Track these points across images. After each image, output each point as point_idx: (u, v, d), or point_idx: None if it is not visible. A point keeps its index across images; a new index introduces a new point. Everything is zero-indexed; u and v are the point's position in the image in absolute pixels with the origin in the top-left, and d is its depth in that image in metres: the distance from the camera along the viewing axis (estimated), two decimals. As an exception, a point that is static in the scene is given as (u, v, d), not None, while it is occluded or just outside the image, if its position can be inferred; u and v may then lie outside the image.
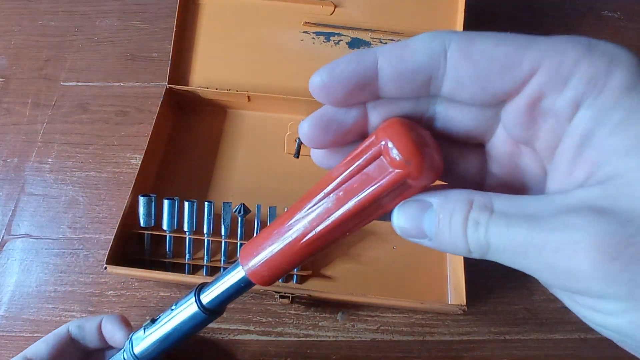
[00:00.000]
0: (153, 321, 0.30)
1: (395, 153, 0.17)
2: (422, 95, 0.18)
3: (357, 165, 0.19)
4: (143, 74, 0.56)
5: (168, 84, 0.51)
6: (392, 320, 0.44)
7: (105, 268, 0.41)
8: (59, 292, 0.45)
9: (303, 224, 0.20)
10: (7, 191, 0.50)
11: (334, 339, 0.43)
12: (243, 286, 0.25)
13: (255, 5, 0.53)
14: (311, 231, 0.20)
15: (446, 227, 0.17)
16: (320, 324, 0.44)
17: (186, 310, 0.27)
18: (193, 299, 0.27)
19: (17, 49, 0.58)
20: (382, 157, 0.18)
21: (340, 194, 0.19)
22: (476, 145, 0.20)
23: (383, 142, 0.18)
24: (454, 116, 0.19)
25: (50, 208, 0.49)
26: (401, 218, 0.19)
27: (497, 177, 0.20)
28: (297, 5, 0.53)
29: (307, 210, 0.20)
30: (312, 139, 0.20)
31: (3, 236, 0.48)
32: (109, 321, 0.35)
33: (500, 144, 0.20)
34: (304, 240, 0.20)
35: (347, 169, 0.19)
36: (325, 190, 0.20)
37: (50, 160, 0.52)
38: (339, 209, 0.19)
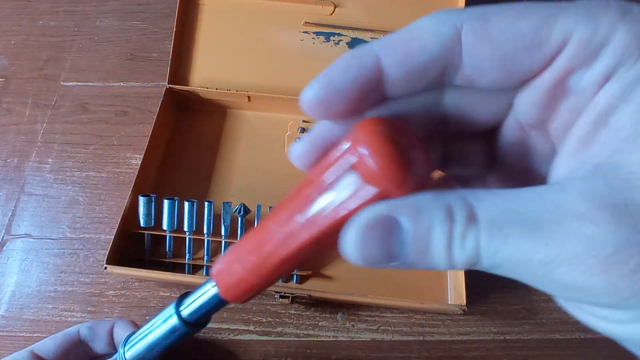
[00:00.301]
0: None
1: (371, 164, 0.14)
2: (435, 88, 0.16)
3: (327, 180, 0.16)
4: (143, 74, 0.56)
5: (168, 84, 0.51)
6: (392, 320, 0.44)
7: (105, 268, 0.41)
8: (59, 292, 0.45)
9: (272, 244, 0.18)
10: (7, 191, 0.50)
11: (334, 339, 0.43)
12: (217, 302, 0.23)
13: (255, 5, 0.53)
14: (278, 253, 0.18)
15: (425, 248, 0.14)
16: (320, 324, 0.44)
17: (167, 322, 0.26)
18: (173, 311, 0.25)
19: (17, 49, 0.58)
20: (355, 169, 0.15)
21: (308, 214, 0.16)
22: (482, 133, 0.18)
23: (356, 151, 0.15)
24: (466, 105, 0.17)
25: (50, 208, 0.49)
26: (362, 245, 0.15)
27: (504, 164, 0.18)
28: (297, 5, 0.53)
29: (275, 229, 0.18)
30: (306, 164, 0.17)
31: (3, 236, 0.48)
32: (121, 326, 0.35)
33: (509, 129, 0.17)
34: (273, 261, 0.18)
35: (318, 182, 0.16)
36: (293, 208, 0.17)
37: (50, 160, 0.52)
38: (305, 233, 0.17)
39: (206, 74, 0.53)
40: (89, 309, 0.44)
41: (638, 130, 0.13)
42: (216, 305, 0.23)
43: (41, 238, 0.48)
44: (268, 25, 0.53)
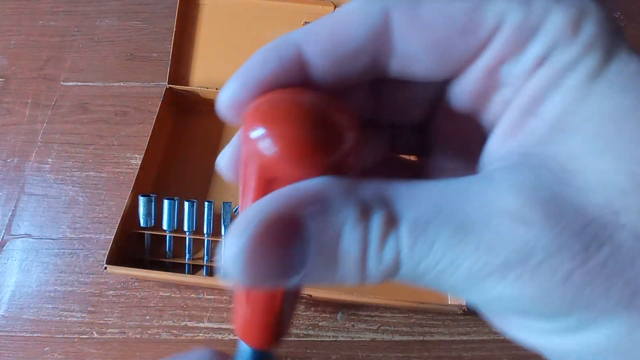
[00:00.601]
0: None
1: (256, 143, 0.12)
2: (368, 77, 0.14)
3: (245, 188, 0.13)
4: (143, 74, 0.56)
5: (168, 84, 0.51)
6: (392, 320, 0.44)
7: (105, 268, 0.41)
8: (59, 292, 0.45)
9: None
10: (7, 191, 0.50)
11: (334, 339, 0.43)
12: (256, 355, 0.19)
13: (255, 5, 0.53)
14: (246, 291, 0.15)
15: (332, 259, 0.11)
16: (320, 324, 0.44)
17: None
18: None
19: (17, 49, 0.58)
20: (250, 160, 0.13)
21: None
22: (419, 122, 0.17)
23: (245, 136, 0.12)
24: (401, 96, 0.16)
25: (50, 208, 0.49)
26: (247, 259, 0.11)
27: (443, 151, 0.17)
28: (297, 5, 0.53)
29: None
30: (233, 175, 0.15)
31: (3, 236, 0.48)
32: None
33: (443, 119, 0.16)
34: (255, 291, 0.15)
35: (242, 193, 0.14)
36: None
37: (50, 160, 0.52)
38: None
39: (206, 74, 0.53)
40: (88, 309, 0.44)
41: (567, 118, 0.12)
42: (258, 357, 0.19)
43: (41, 238, 0.48)
44: (268, 25, 0.53)
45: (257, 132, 0.12)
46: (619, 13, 0.61)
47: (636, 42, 0.59)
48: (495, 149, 0.14)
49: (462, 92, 0.14)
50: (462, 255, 0.11)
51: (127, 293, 0.45)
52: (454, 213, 0.11)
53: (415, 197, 0.12)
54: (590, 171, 0.11)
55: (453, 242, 0.11)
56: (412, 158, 0.20)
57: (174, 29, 0.52)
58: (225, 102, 0.14)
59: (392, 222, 0.11)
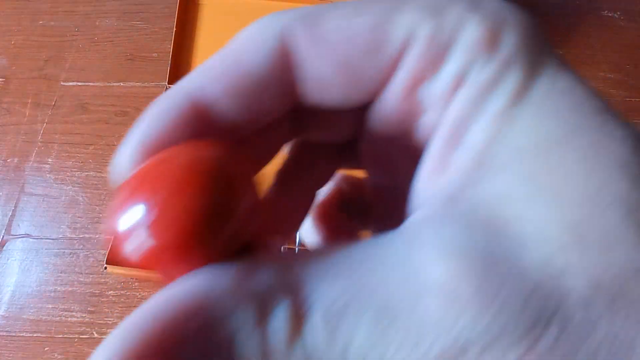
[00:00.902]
0: None
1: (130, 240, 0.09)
2: (285, 108, 0.12)
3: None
4: (143, 74, 0.56)
5: (168, 84, 0.51)
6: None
7: (105, 268, 0.41)
8: (59, 292, 0.45)
9: None
10: (7, 191, 0.50)
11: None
12: None
13: (255, 5, 0.53)
14: None
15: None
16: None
17: None
18: None
19: (17, 49, 0.58)
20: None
21: None
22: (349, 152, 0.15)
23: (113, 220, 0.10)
24: (324, 120, 0.14)
25: (50, 208, 0.49)
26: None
27: (374, 170, 0.15)
28: (297, 5, 0.53)
29: None
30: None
31: (3, 236, 0.48)
32: None
33: (370, 142, 0.14)
34: None
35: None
36: None
37: (50, 160, 0.52)
38: None
39: (206, 74, 0.53)
40: (89, 309, 0.44)
41: (493, 151, 0.10)
42: None
43: (41, 238, 0.48)
44: (268, 25, 0.53)
45: (119, 221, 0.09)
46: (619, 13, 0.61)
47: (636, 42, 0.59)
48: (424, 184, 0.12)
49: (384, 117, 0.12)
50: (391, 347, 0.09)
51: (127, 293, 0.45)
52: (375, 291, 0.09)
53: (329, 274, 0.09)
54: (524, 220, 0.09)
55: (377, 332, 0.09)
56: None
57: (174, 29, 0.52)
58: (122, 170, 0.11)
59: (300, 315, 0.09)
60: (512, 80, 0.10)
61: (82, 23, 0.60)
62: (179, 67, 0.53)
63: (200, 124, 0.11)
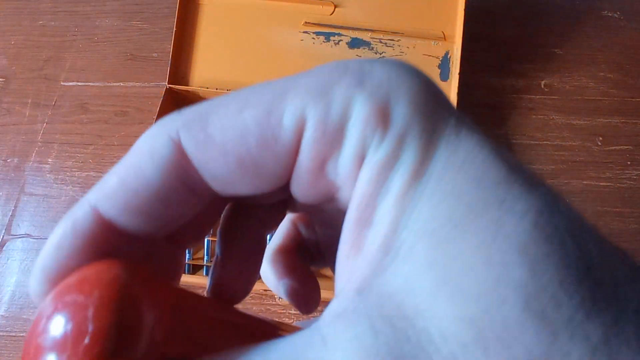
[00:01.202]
0: None
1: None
2: (197, 207, 0.12)
3: None
4: (143, 74, 0.56)
5: (168, 84, 0.51)
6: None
7: (105, 268, 0.41)
8: (59, 292, 0.45)
9: None
10: (7, 191, 0.50)
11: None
12: None
13: (255, 5, 0.53)
14: None
15: None
16: (320, 324, 0.44)
17: None
18: None
19: (17, 49, 0.58)
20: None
21: None
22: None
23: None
24: (251, 200, 0.14)
25: (50, 208, 0.49)
26: None
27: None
28: (297, 5, 0.53)
29: None
30: None
31: (3, 236, 0.48)
32: None
33: (297, 206, 0.15)
34: None
35: None
36: None
37: (50, 160, 0.52)
38: None
39: (206, 74, 0.53)
40: (89, 309, 0.44)
41: (398, 235, 0.10)
42: None
43: (41, 238, 0.48)
44: (268, 25, 0.53)
45: (39, 340, 0.10)
46: (619, 13, 0.61)
47: (636, 42, 0.59)
48: (343, 264, 0.12)
49: (303, 194, 0.12)
50: None
51: (127, 293, 0.45)
52: None
53: None
54: (428, 316, 0.09)
55: None
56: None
57: (174, 29, 0.52)
58: (35, 298, 0.11)
59: None
60: (408, 157, 0.10)
61: (82, 23, 0.60)
62: (179, 67, 0.53)
63: (109, 237, 0.11)
